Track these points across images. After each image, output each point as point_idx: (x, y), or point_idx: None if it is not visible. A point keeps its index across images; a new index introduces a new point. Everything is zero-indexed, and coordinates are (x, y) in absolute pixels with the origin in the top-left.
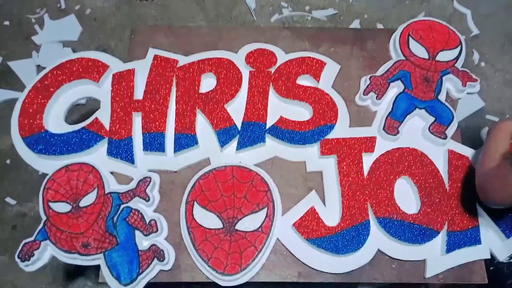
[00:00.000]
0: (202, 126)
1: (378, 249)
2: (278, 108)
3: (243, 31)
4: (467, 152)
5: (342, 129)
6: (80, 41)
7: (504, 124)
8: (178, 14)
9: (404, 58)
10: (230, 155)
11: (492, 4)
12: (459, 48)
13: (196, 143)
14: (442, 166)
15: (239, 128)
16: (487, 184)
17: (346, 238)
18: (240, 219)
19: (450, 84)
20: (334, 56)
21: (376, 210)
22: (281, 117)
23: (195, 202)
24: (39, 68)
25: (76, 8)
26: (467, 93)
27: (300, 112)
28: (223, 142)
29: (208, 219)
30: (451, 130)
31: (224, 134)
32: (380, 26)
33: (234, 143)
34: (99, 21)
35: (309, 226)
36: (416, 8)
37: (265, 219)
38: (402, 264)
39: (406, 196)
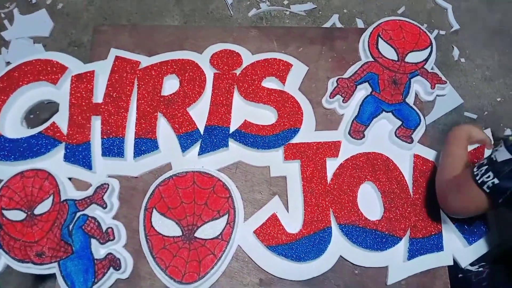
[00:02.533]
0: (164, 130)
1: (340, 256)
2: (243, 111)
3: (210, 30)
4: (433, 156)
5: (307, 133)
6: (52, 37)
7: (459, 131)
8: (153, 9)
9: (372, 60)
10: (192, 160)
11: None
12: (429, 49)
13: (157, 148)
14: (407, 171)
15: (202, 132)
16: (444, 193)
17: (307, 245)
18: (200, 226)
19: (419, 86)
20: (302, 56)
21: (339, 216)
22: (245, 121)
23: (154, 209)
24: (9, 65)
25: (48, 2)
26: (437, 95)
27: (265, 115)
28: (185, 146)
29: (167, 227)
30: (417, 134)
31: (186, 138)
32: (359, 21)
33: (196, 148)
34: (71, 16)
35: (270, 233)
36: (397, 2)
37: (225, 226)
38: (365, 270)
39: (370, 202)
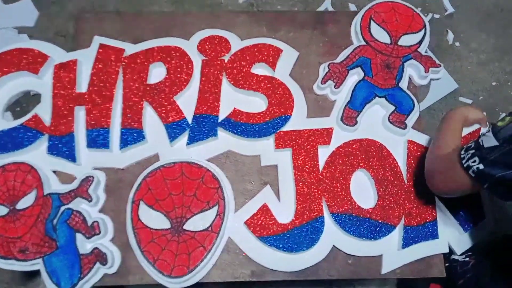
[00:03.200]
0: (151, 120)
1: (334, 246)
2: (232, 99)
3: (198, 16)
4: (427, 141)
5: (298, 120)
6: (37, 26)
7: (455, 112)
8: None
9: (365, 43)
10: (181, 150)
11: None
12: (422, 31)
13: (143, 138)
14: (401, 157)
15: (190, 122)
16: (431, 173)
17: (299, 236)
18: (189, 218)
19: (412, 70)
20: (293, 41)
21: (331, 205)
22: (234, 109)
23: (141, 202)
24: None
25: None
26: (431, 79)
27: (255, 102)
28: (172, 136)
29: (155, 219)
30: (411, 119)
31: (174, 128)
32: (352, 5)
33: (184, 138)
34: (57, 5)
35: (261, 224)
36: None
37: (215, 218)
38: (359, 259)
39: (363, 190)
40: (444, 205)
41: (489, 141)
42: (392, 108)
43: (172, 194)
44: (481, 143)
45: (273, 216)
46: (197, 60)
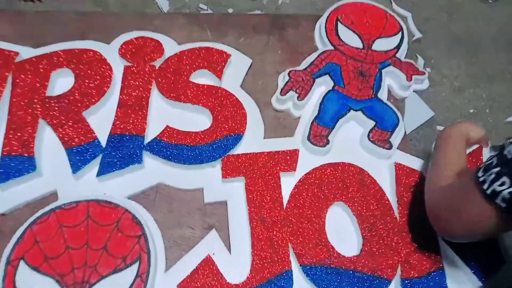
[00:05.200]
0: (48, 143)
1: None
2: (165, 115)
3: (123, 18)
4: (419, 165)
5: (253, 141)
6: None
7: (454, 130)
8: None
9: (332, 48)
10: (89, 184)
11: (432, 7)
12: (399, 35)
13: (34, 168)
14: (389, 186)
15: (104, 145)
16: (437, 211)
17: None
18: (95, 284)
19: (391, 79)
20: (244, 48)
21: (301, 254)
22: (167, 127)
23: (21, 261)
24: None
25: None
26: (414, 91)
27: (195, 119)
28: (77, 165)
29: (40, 287)
30: (396, 137)
31: (80, 153)
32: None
33: (95, 167)
34: None
35: (203, 287)
36: None
37: (134, 281)
38: None
39: (343, 231)
40: (451, 248)
41: None
42: (372, 123)
43: (71, 248)
44: (509, 155)
45: (221, 274)
46: (118, 67)
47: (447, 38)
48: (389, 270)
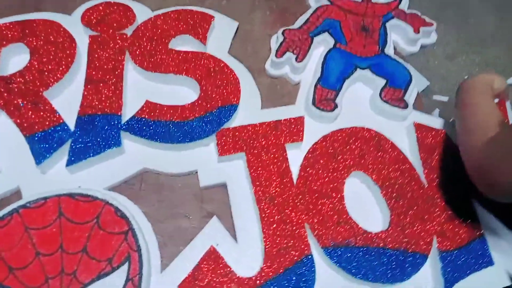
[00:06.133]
0: (3, 133)
1: None
2: (142, 89)
3: None
4: (440, 124)
5: (249, 113)
6: None
7: (478, 82)
8: None
9: (328, 3)
10: (60, 178)
11: None
12: None
13: None
14: (410, 149)
15: (72, 128)
16: (482, 168)
17: None
18: None
19: (396, 34)
20: (227, 11)
21: (321, 235)
22: (147, 102)
23: None
24: None
25: None
26: (421, 46)
27: (180, 92)
28: (41, 154)
29: None
30: (411, 95)
31: (44, 140)
32: None
33: (63, 155)
34: None
35: (209, 284)
36: None
37: (125, 286)
38: None
39: (365, 205)
40: (492, 213)
41: None
42: (382, 82)
43: (42, 255)
44: None
45: (229, 268)
46: (82, 39)
47: (434, 2)
48: (423, 244)
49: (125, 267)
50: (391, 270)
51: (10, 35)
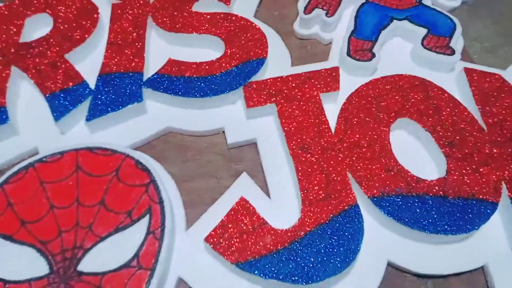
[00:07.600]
0: (24, 95)
1: (388, 262)
2: (164, 53)
3: None
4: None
5: (279, 68)
6: None
7: None
8: None
9: None
10: (78, 138)
11: None
12: None
13: (7, 119)
14: (462, 94)
15: (93, 86)
16: None
17: (317, 250)
18: (90, 248)
19: None
20: None
21: (367, 183)
22: (169, 59)
23: None
24: None
25: None
26: (462, 1)
27: (204, 54)
28: (60, 111)
29: (16, 260)
30: (458, 42)
31: (63, 97)
32: None
33: (83, 111)
34: None
35: (241, 237)
36: None
37: (145, 240)
38: (443, 282)
39: (416, 153)
40: None
41: None
42: (423, 31)
43: (56, 208)
44: None
45: (262, 218)
46: (104, 6)
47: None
48: (490, 191)
49: (145, 219)
50: (455, 220)
51: (34, 6)
